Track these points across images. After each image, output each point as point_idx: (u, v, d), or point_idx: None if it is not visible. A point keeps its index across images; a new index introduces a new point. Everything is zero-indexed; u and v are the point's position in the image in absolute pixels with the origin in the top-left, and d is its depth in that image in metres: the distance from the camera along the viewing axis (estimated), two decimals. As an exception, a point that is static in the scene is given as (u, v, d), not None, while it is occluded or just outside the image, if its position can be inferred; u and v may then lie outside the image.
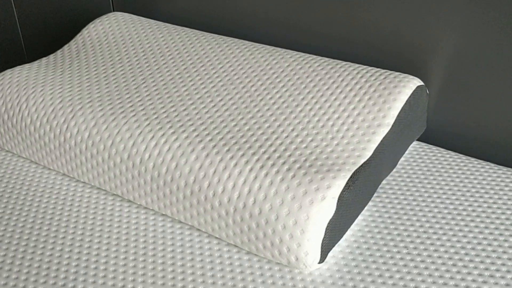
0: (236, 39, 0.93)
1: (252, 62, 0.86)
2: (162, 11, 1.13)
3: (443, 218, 0.72)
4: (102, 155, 0.75)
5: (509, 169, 0.80)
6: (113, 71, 0.88)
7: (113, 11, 1.22)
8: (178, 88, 0.82)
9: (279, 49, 0.90)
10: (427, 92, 0.83)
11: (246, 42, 0.92)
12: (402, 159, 0.83)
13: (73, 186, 0.81)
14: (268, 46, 0.91)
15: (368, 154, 0.69)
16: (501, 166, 0.81)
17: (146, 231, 0.72)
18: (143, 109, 0.77)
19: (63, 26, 1.31)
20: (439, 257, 0.66)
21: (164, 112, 0.76)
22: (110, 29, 1.00)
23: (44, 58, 0.98)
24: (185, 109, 0.77)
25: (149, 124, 0.74)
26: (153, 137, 0.72)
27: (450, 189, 0.76)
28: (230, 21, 1.05)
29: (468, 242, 0.68)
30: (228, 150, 0.69)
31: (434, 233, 0.69)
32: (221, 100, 0.79)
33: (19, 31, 1.40)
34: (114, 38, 0.98)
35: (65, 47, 1.01)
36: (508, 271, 0.63)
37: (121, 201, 0.77)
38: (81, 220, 0.74)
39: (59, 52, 1.00)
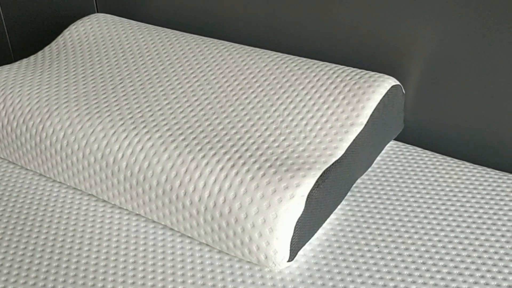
0: (215, 40, 0.94)
1: (230, 62, 0.86)
2: (146, 12, 1.14)
3: (416, 217, 0.72)
4: (76, 155, 0.75)
5: (484, 168, 0.81)
6: (92, 72, 0.89)
7: (97, 12, 1.22)
8: (154, 88, 0.82)
9: (257, 49, 0.90)
10: (403, 91, 0.83)
11: (225, 42, 0.93)
12: (378, 158, 0.83)
13: (50, 186, 0.81)
14: (247, 47, 0.91)
15: (340, 153, 0.69)
16: (476, 165, 0.81)
17: (119, 231, 0.72)
18: (119, 109, 0.77)
19: (50, 28, 1.31)
20: (409, 255, 0.66)
21: (139, 112, 0.76)
22: (91, 30, 1.00)
23: (25, 59, 0.98)
24: (160, 109, 0.77)
25: (123, 124, 0.74)
26: (126, 136, 0.72)
27: (424, 188, 0.77)
28: (211, 23, 1.05)
29: (439, 241, 0.68)
30: (200, 149, 0.69)
31: (406, 231, 0.70)
32: (196, 100, 0.79)
33: (5, 33, 1.40)
34: (95, 39, 0.98)
35: (46, 48, 1.01)
36: (477, 269, 0.63)
37: (96, 200, 0.78)
38: (55, 220, 0.74)
39: (40, 53, 1.00)
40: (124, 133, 0.72)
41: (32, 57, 0.98)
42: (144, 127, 0.73)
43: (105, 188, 0.74)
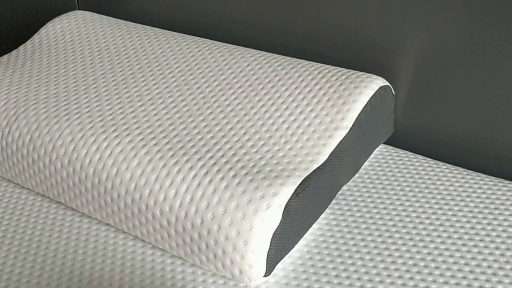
0: (196, 38, 0.89)
1: (211, 62, 0.82)
2: (130, 10, 1.09)
3: (404, 227, 0.67)
4: (43, 160, 0.70)
5: (479, 174, 0.76)
6: (65, 72, 0.84)
7: (79, 10, 1.18)
8: (129, 89, 0.77)
9: (240, 48, 0.85)
10: (393, 92, 0.78)
11: (207, 40, 0.88)
12: (366, 163, 0.79)
13: (17, 193, 0.76)
14: (229, 45, 0.86)
15: (322, 159, 0.65)
16: (470, 171, 0.77)
17: (86, 242, 0.67)
18: (89, 111, 0.73)
19: (30, 26, 1.27)
20: (396, 269, 0.61)
21: (110, 114, 0.72)
22: (68, 28, 0.96)
23: (-2, 59, 0.94)
24: (133, 111, 0.72)
25: (92, 127, 0.69)
26: (94, 141, 0.67)
27: (414, 196, 0.72)
28: (194, 20, 1.01)
29: (429, 253, 0.63)
30: (173, 155, 0.64)
31: (393, 243, 0.65)
32: (172, 101, 0.74)
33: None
34: (71, 37, 0.93)
35: (21, 47, 0.97)
36: (468, 285, 0.59)
37: (65, 208, 0.73)
38: (20, 230, 0.70)
39: (14, 52, 0.95)
40: (92, 137, 0.68)
41: (5, 56, 0.94)
42: (114, 130, 0.68)
43: (73, 196, 0.69)
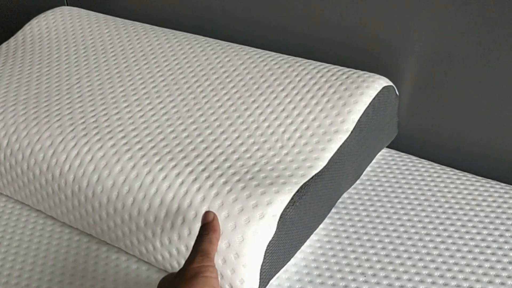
0: (188, 34, 0.84)
1: (203, 60, 0.77)
2: (120, 5, 1.04)
3: (409, 238, 0.62)
4: (21, 165, 0.65)
5: (488, 180, 0.71)
6: (48, 70, 0.79)
7: (67, 5, 1.13)
8: (114, 89, 0.72)
9: (234, 45, 0.81)
10: (397, 93, 0.73)
11: (199, 37, 0.83)
12: (368, 168, 0.74)
13: (-5, 200, 0.72)
14: (222, 42, 0.81)
15: (321, 164, 0.60)
16: (479, 178, 0.72)
17: (67, 254, 0.62)
18: (70, 113, 0.68)
19: (16, 22, 1.22)
20: (401, 286, 0.56)
21: (93, 116, 0.67)
22: (54, 24, 0.91)
23: (-21, 57, 0.89)
24: (117, 113, 0.67)
25: (73, 130, 0.64)
26: (75, 145, 0.62)
27: (419, 204, 0.67)
28: (187, 16, 0.96)
29: (437, 268, 0.58)
30: (159, 160, 0.59)
31: (398, 256, 0.60)
32: (160, 102, 0.69)
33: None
34: (57, 34, 0.88)
35: (4, 44, 0.92)
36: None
37: (45, 217, 0.68)
38: (-4, 240, 0.65)
39: (-4, 49, 0.90)
40: (73, 141, 0.63)
41: (-13, 54, 0.89)
42: (97, 133, 0.63)
43: (52, 204, 0.64)
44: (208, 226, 0.50)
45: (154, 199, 0.56)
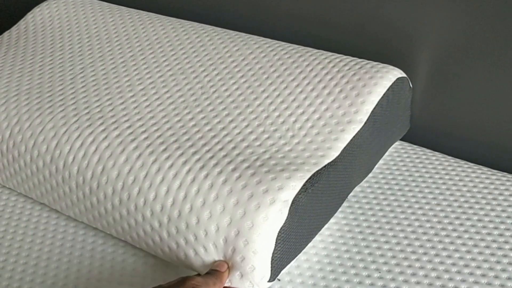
0: (195, 23, 0.82)
1: (210, 49, 0.75)
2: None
3: (425, 233, 0.60)
4: (24, 157, 0.63)
5: (504, 174, 0.69)
6: (51, 60, 0.77)
7: (70, -5, 1.10)
8: (119, 78, 0.70)
9: (242, 34, 0.78)
10: (411, 85, 0.71)
11: (206, 26, 0.81)
12: (380, 161, 0.72)
13: (-3, 192, 0.70)
14: (230, 31, 0.79)
15: (334, 154, 0.58)
16: (495, 171, 0.70)
17: (72, 248, 0.61)
18: (74, 103, 0.66)
19: (17, 11, 1.20)
20: (417, 282, 0.55)
21: (98, 106, 0.65)
22: (57, 13, 0.89)
23: (-20, 46, 0.87)
24: (122, 103, 0.65)
25: (77, 120, 0.62)
26: (79, 136, 0.60)
27: (434, 198, 0.65)
28: (193, 4, 0.93)
29: (454, 264, 0.56)
30: (165, 149, 0.57)
31: (413, 252, 0.58)
32: (167, 91, 0.67)
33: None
34: (60, 22, 0.86)
35: (6, 33, 0.90)
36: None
37: (49, 211, 0.66)
38: (0, 232, 0.63)
39: (-3, 39, 0.88)
40: (77, 132, 0.61)
41: (-12, 44, 0.87)
42: (101, 124, 0.61)
43: (57, 197, 0.62)
44: (218, 274, 0.50)
45: (160, 188, 0.54)
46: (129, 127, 0.61)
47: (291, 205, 0.52)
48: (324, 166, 0.56)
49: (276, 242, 0.52)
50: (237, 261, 0.51)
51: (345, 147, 0.59)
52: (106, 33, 0.81)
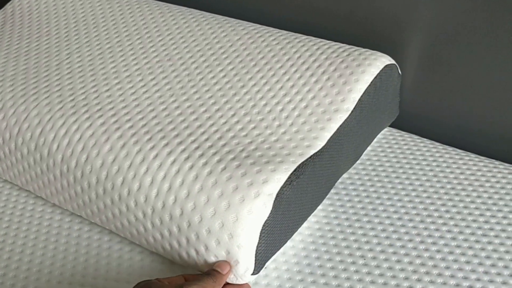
0: (183, 8, 0.81)
1: (198, 35, 0.74)
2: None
3: (411, 220, 0.60)
4: (8, 145, 0.63)
5: (491, 160, 0.69)
6: (37, 45, 0.76)
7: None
8: (105, 65, 0.69)
9: (231, 19, 0.77)
10: (399, 72, 0.71)
11: (195, 11, 0.80)
12: (369, 148, 0.71)
13: (-17, 179, 0.69)
14: (219, 16, 0.78)
15: (320, 144, 0.58)
16: (482, 158, 0.70)
17: (58, 236, 0.61)
18: (59, 90, 0.65)
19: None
20: (402, 269, 0.55)
21: (83, 93, 0.64)
22: (44, -3, 0.87)
23: (-34, 31, 0.85)
24: (108, 90, 0.65)
25: (61, 107, 0.62)
26: (63, 123, 0.60)
27: (421, 185, 0.65)
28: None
29: (438, 251, 0.57)
30: (150, 139, 0.57)
31: (398, 239, 0.58)
32: (153, 79, 0.67)
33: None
34: (46, 7, 0.85)
35: (-8, 17, 0.89)
36: (477, 279, 0.53)
37: (35, 198, 0.66)
38: (-15, 221, 0.63)
39: (-17, 23, 0.87)
40: (61, 119, 0.60)
41: (-26, 28, 0.85)
42: (86, 111, 0.61)
43: (42, 185, 0.62)
44: (216, 277, 0.49)
45: (144, 178, 0.54)
46: (114, 115, 0.60)
47: (276, 198, 0.52)
48: (310, 157, 0.56)
49: (260, 235, 0.52)
50: (221, 254, 0.51)
51: (331, 137, 0.59)
52: (93, 18, 0.80)
